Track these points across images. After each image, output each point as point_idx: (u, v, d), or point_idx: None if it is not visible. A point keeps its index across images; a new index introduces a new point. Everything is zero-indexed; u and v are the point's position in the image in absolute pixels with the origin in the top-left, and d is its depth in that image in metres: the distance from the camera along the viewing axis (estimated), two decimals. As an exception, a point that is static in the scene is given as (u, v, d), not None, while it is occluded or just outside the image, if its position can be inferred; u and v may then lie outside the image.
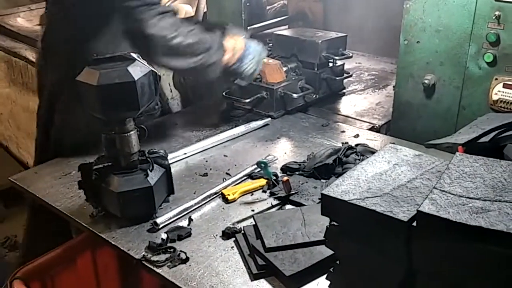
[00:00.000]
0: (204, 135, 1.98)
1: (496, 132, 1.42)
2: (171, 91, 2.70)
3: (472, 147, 1.40)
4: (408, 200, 0.95)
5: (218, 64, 1.85)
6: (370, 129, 2.04)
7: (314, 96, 2.19)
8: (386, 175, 1.04)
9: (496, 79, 1.68)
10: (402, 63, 1.90)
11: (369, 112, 2.19)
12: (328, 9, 2.62)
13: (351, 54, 2.28)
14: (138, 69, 1.41)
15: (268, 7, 2.89)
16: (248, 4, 2.31)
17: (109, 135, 1.46)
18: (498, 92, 1.69)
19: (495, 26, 1.64)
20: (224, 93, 2.21)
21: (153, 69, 1.47)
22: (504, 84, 1.67)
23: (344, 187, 1.01)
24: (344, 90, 2.38)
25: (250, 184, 1.60)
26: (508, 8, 1.59)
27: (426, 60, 1.83)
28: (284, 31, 2.41)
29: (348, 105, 2.28)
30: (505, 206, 0.86)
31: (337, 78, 2.28)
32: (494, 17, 1.63)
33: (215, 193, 1.57)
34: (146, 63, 1.47)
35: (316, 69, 2.18)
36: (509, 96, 1.67)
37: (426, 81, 1.83)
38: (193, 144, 1.87)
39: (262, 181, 1.60)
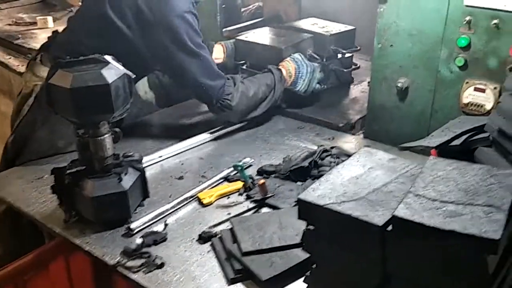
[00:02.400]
0: (180, 137, 1.96)
1: (468, 135, 1.46)
2: (145, 93, 2.67)
3: (444, 150, 1.43)
4: (383, 204, 0.96)
5: (281, 93, 2.06)
6: (345, 125, 2.06)
7: (323, 86, 2.20)
8: (362, 179, 1.05)
9: (467, 82, 1.72)
10: (376, 66, 1.92)
11: (345, 107, 2.22)
12: (303, 12, 2.64)
13: (359, 47, 2.34)
14: (112, 72, 1.40)
15: (243, 9, 2.88)
16: (223, 6, 2.30)
17: (82, 139, 1.44)
18: (469, 95, 1.72)
19: (466, 30, 1.67)
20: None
21: (127, 72, 1.45)
22: (475, 87, 1.70)
23: (320, 192, 1.01)
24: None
25: (226, 187, 1.60)
26: (478, 13, 1.63)
27: (399, 64, 1.85)
28: (297, 22, 2.45)
29: (324, 100, 2.28)
30: (477, 209, 0.88)
31: (345, 70, 2.34)
32: (465, 22, 1.66)
33: (191, 196, 1.56)
34: (120, 66, 1.45)
35: (324, 60, 2.23)
36: (480, 99, 1.71)
37: (399, 84, 1.86)
38: (168, 147, 1.86)
39: (239, 184, 1.60)
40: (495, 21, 1.60)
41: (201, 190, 1.58)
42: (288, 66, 2.09)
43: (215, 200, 1.54)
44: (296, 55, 2.12)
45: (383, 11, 1.82)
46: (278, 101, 2.07)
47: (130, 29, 1.77)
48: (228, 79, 1.95)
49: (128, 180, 1.47)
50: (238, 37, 2.27)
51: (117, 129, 1.48)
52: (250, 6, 2.98)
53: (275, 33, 2.30)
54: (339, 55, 2.31)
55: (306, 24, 2.41)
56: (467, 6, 1.64)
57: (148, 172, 1.61)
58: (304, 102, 2.18)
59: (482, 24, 1.63)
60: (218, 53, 2.22)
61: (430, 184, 0.97)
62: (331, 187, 1.03)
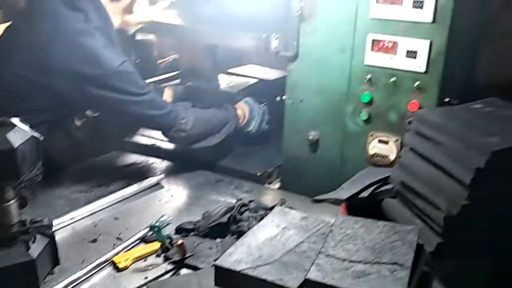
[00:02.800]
0: (93, 196, 1.89)
1: (374, 187, 1.55)
2: (54, 147, 2.56)
3: (354, 202, 1.51)
4: (297, 266, 0.99)
5: (234, 131, 2.14)
6: (263, 174, 2.10)
7: (269, 127, 2.30)
8: (276, 240, 1.08)
9: (372, 135, 1.84)
10: (288, 120, 2.01)
11: (266, 155, 2.27)
12: (219, 66, 2.71)
13: None
14: (18, 136, 1.34)
15: (159, 61, 2.90)
16: (138, 61, 2.31)
17: (-15, 206, 1.35)
18: (374, 147, 1.84)
19: (368, 87, 1.80)
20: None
21: (34, 134, 1.40)
22: (379, 140, 1.82)
23: (236, 256, 1.02)
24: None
25: (143, 248, 1.55)
26: (377, 71, 1.77)
27: (309, 118, 1.95)
28: (238, 69, 2.62)
29: (248, 148, 2.32)
30: (383, 268, 0.93)
31: None
32: (366, 80, 1.79)
33: (106, 261, 1.50)
34: (27, 128, 1.40)
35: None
36: (384, 151, 1.83)
37: (310, 137, 1.95)
38: (81, 207, 1.78)
39: (156, 245, 1.56)
40: (392, 79, 1.75)
41: (116, 254, 1.53)
42: (242, 108, 2.21)
43: (131, 264, 1.49)
44: (248, 99, 2.27)
45: (292, 69, 1.92)
46: (230, 137, 2.14)
47: (60, 85, 1.75)
48: (178, 105, 2.03)
49: (36, 247, 1.39)
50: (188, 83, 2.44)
51: (24, 194, 1.41)
52: (166, 58, 3.01)
53: (223, 79, 2.52)
54: (278, 98, 2.41)
55: (248, 70, 2.61)
56: (367, 65, 1.78)
57: (59, 236, 1.54)
58: (255, 141, 2.31)
59: (382, 81, 1.77)
60: (166, 97, 2.28)
61: (340, 243, 1.01)
62: (247, 250, 1.04)
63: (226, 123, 2.11)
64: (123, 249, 1.55)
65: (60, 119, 1.96)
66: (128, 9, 1.90)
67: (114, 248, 1.55)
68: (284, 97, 2.34)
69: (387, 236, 1.02)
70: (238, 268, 0.98)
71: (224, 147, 2.22)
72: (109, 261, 1.50)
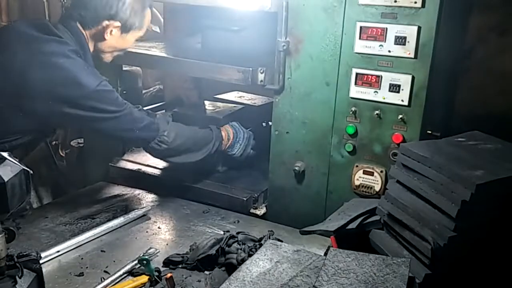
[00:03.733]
0: (79, 228, 1.88)
1: (362, 218, 1.58)
2: (39, 178, 2.54)
3: (342, 234, 1.53)
4: (291, 301, 1.00)
5: (218, 151, 2.14)
6: (248, 199, 2.10)
7: (254, 152, 2.29)
8: (270, 274, 1.09)
9: (357, 166, 1.88)
10: (274, 151, 2.03)
11: (253, 179, 2.28)
12: (204, 93, 2.73)
13: None
14: (8, 169, 1.33)
15: (144, 91, 2.91)
16: (124, 92, 2.32)
17: (-28, 241, 1.33)
18: (359, 178, 1.88)
19: (352, 120, 1.85)
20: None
21: (24, 167, 1.39)
22: (364, 170, 1.86)
23: (231, 291, 1.03)
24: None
25: (131, 282, 1.54)
26: (362, 104, 1.82)
27: (295, 149, 1.98)
28: (224, 95, 2.67)
29: (234, 172, 2.33)
30: (377, 301, 0.95)
31: None
32: (351, 112, 1.84)
33: (93, 295, 1.48)
34: (17, 162, 1.39)
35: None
36: (369, 181, 1.86)
37: (296, 168, 1.97)
38: (66, 241, 1.76)
39: (144, 278, 1.55)
40: (376, 111, 1.80)
41: (104, 288, 1.51)
42: (227, 130, 2.21)
43: (120, 298, 1.48)
44: (234, 123, 2.28)
45: (278, 101, 1.96)
46: (214, 156, 2.16)
47: (36, 108, 1.75)
48: (158, 118, 2.03)
49: (23, 283, 1.36)
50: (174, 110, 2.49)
51: (11, 228, 1.39)
52: (151, 88, 3.02)
53: (209, 105, 2.55)
54: (263, 124, 2.47)
55: (233, 96, 2.64)
56: (352, 98, 1.83)
57: (45, 270, 1.51)
58: (239, 164, 2.31)
59: (366, 114, 1.82)
60: None
61: (333, 277, 1.03)
62: (241, 285, 1.05)
63: (208, 142, 2.10)
64: (111, 282, 1.54)
65: (35, 141, 1.96)
66: (99, 37, 1.91)
67: (101, 282, 1.53)
68: (270, 123, 2.38)
69: (379, 269, 1.04)
70: (233, 303, 0.99)
71: (206, 168, 2.22)
72: (97, 296, 1.48)
